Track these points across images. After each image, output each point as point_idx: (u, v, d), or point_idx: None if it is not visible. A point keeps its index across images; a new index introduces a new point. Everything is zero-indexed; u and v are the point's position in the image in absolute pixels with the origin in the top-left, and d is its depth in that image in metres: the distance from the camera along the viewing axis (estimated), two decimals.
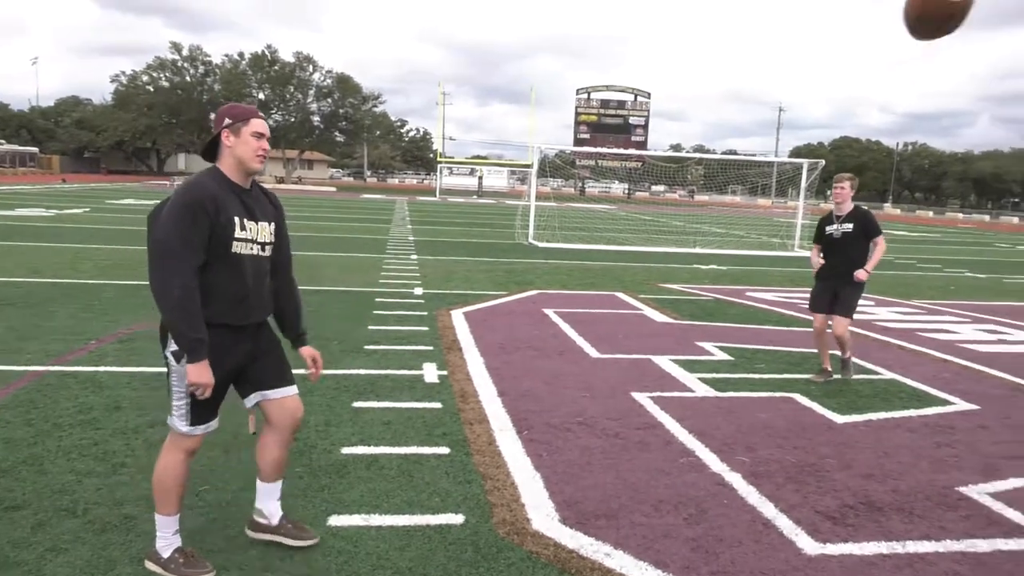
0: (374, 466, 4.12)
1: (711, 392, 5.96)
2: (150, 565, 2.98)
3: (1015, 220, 62.83)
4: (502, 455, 4.38)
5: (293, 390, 3.15)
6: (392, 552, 3.21)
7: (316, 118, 68.94)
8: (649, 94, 72.59)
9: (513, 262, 14.81)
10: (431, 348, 6.97)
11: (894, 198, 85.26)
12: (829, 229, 6.40)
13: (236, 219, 2.83)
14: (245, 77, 64.24)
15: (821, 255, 6.52)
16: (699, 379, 6.30)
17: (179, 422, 2.90)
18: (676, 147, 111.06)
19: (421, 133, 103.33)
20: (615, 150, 61.95)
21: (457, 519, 3.54)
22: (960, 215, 66.89)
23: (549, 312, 9.22)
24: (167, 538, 2.99)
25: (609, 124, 71.54)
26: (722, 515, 3.73)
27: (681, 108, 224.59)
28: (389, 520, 3.49)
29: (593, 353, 7.13)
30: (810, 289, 6.76)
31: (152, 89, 64.34)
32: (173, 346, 2.80)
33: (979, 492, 4.16)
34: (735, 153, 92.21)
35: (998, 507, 3.97)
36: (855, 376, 6.59)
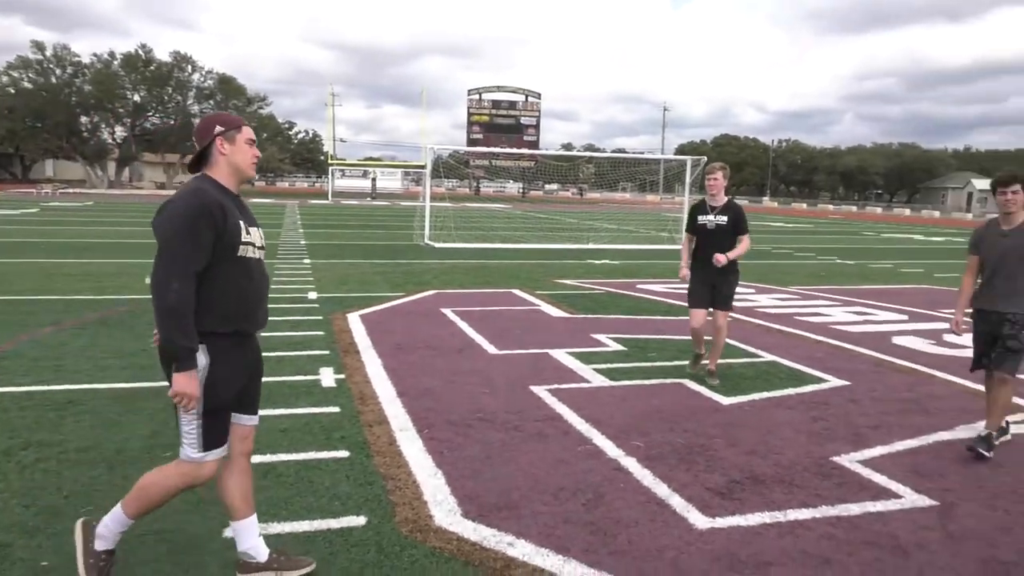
0: (271, 474, 4.03)
1: (606, 382, 6.14)
2: (78, 535, 2.90)
3: (878, 210, 67.68)
4: (403, 455, 4.37)
5: (257, 416, 3.06)
6: None
7: (197, 121, 66.10)
8: (540, 95, 73.74)
9: (410, 263, 14.73)
10: (327, 352, 6.85)
11: (771, 192, 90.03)
12: (703, 219, 6.22)
13: (241, 224, 2.79)
14: (118, 78, 60.73)
15: (693, 246, 6.36)
16: (594, 370, 6.48)
17: (190, 449, 2.77)
18: (567, 146, 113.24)
19: (311, 135, 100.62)
20: (508, 149, 62.55)
21: (359, 521, 3.52)
22: (830, 207, 71.46)
23: (447, 311, 9.23)
24: (112, 535, 2.89)
25: (501, 124, 72.19)
26: (619, 498, 3.87)
27: (571, 108, 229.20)
28: (288, 527, 3.43)
29: (491, 350, 7.20)
30: None
31: (13, 91, 59.81)
32: None
33: (850, 460, 4.48)
34: (624, 152, 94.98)
35: (867, 473, 4.30)
36: (739, 360, 6.95)
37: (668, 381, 6.21)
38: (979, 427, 5.19)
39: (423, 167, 28.27)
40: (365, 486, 3.92)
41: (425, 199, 21.40)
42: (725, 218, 6.15)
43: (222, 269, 2.73)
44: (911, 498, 3.97)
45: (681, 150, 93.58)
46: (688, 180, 22.05)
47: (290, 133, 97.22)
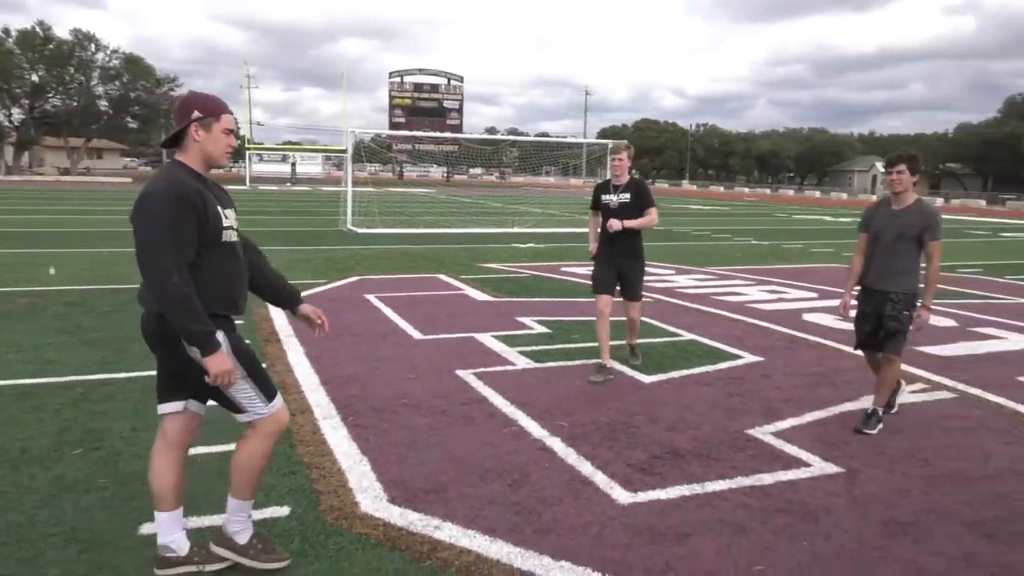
0: (191, 467, 3.87)
1: (531, 364, 6.21)
2: (221, 551, 2.94)
3: (791, 193, 70.24)
4: (327, 443, 4.32)
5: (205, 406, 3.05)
6: None
7: (103, 103, 62.80)
8: (462, 78, 73.29)
9: (332, 249, 14.47)
10: (248, 342, 6.66)
11: (690, 175, 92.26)
12: (606, 199, 6.00)
13: (219, 209, 2.78)
14: (13, 56, 57.11)
15: (599, 223, 6.08)
16: (520, 352, 6.54)
17: (258, 407, 2.87)
18: (491, 130, 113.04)
19: None
20: (431, 133, 62.02)
21: (282, 511, 3.47)
22: (746, 189, 73.80)
23: (371, 297, 9.13)
24: (243, 522, 2.97)
25: (424, 108, 71.45)
26: (544, 477, 3.93)
27: (494, 92, 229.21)
28: (208, 521, 3.34)
29: (417, 335, 7.17)
30: None
31: None
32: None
33: (763, 433, 4.68)
34: (547, 135, 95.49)
35: (779, 444, 4.50)
36: (660, 340, 7.13)
37: (592, 361, 6.31)
38: None
39: (344, 151, 27.75)
40: (288, 476, 3.86)
41: (347, 184, 21.03)
42: (628, 195, 5.91)
43: (209, 259, 2.74)
44: (819, 466, 4.18)
45: (603, 134, 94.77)
46: (610, 164, 22.39)
47: None
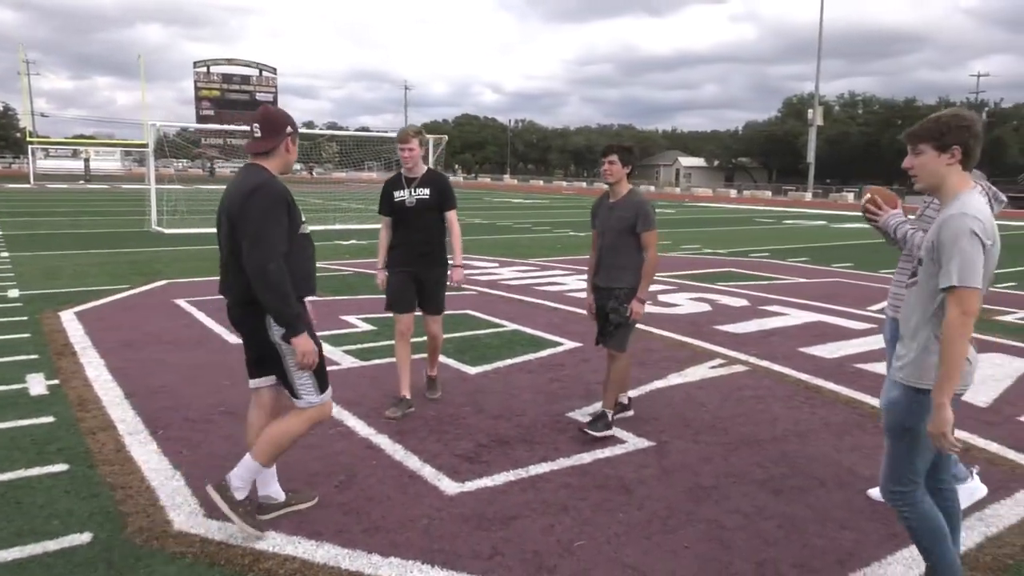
0: None
1: (357, 363, 6.12)
2: (215, 494, 3.16)
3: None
4: (134, 460, 4.02)
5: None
6: None
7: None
8: (275, 69, 70.32)
9: (135, 252, 13.39)
10: (36, 356, 6.05)
11: (511, 170, 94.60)
12: (399, 196, 4.88)
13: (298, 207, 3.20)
14: None
15: (391, 235, 4.99)
16: (344, 352, 6.42)
17: (312, 396, 3.22)
18: (309, 124, 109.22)
19: (1, 109, 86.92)
20: (244, 127, 58.87)
21: (83, 538, 3.18)
22: (564, 183, 76.82)
23: (181, 302, 8.56)
24: (247, 485, 3.21)
25: (235, 100, 67.80)
26: (371, 475, 3.90)
27: (310, 85, 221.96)
28: None
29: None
30: None
31: None
32: (279, 331, 3.08)
33: (582, 414, 4.92)
34: (368, 130, 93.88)
35: None
36: (485, 331, 7.28)
37: (417, 357, 6.31)
38: (687, 373, 5.97)
39: (146, 146, 25.69)
40: (89, 499, 3.55)
41: (150, 181, 19.50)
42: (427, 190, 4.85)
43: (293, 250, 3.13)
44: (633, 442, 4.46)
45: (425, 129, 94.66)
46: (432, 158, 22.43)
47: None
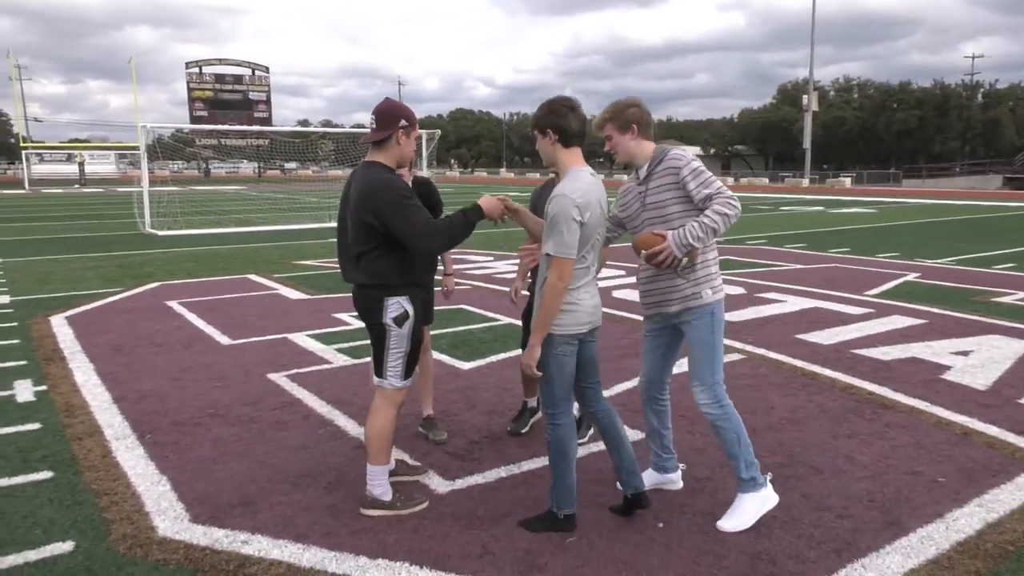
0: None
1: (349, 360, 6.05)
2: (373, 512, 3.37)
3: (602, 176, 73.69)
4: (120, 466, 3.96)
5: None
6: None
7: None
8: (268, 68, 69.93)
9: (128, 255, 13.31)
10: (24, 362, 5.98)
11: (508, 164, 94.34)
12: None
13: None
14: None
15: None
16: (336, 350, 6.35)
17: (395, 380, 3.39)
18: (304, 123, 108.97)
19: None
20: (237, 127, 58.73)
21: (65, 547, 3.12)
22: None
23: (173, 304, 8.49)
24: (385, 484, 3.41)
25: (228, 100, 67.45)
26: (361, 477, 3.82)
27: (303, 83, 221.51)
28: None
29: (224, 340, 6.76)
30: None
31: None
32: (392, 313, 3.30)
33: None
34: (364, 127, 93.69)
35: None
36: (479, 325, 7.20)
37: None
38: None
39: (138, 148, 25.55)
40: (73, 507, 3.48)
41: (143, 182, 19.40)
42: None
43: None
44: (628, 432, 4.39)
45: (421, 124, 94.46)
46: (426, 153, 22.32)
47: None
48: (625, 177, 3.58)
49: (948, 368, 5.71)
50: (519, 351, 6.26)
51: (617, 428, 3.39)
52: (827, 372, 5.64)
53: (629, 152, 3.36)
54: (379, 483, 3.42)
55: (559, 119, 3.12)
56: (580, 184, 3.06)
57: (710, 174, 3.26)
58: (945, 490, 3.65)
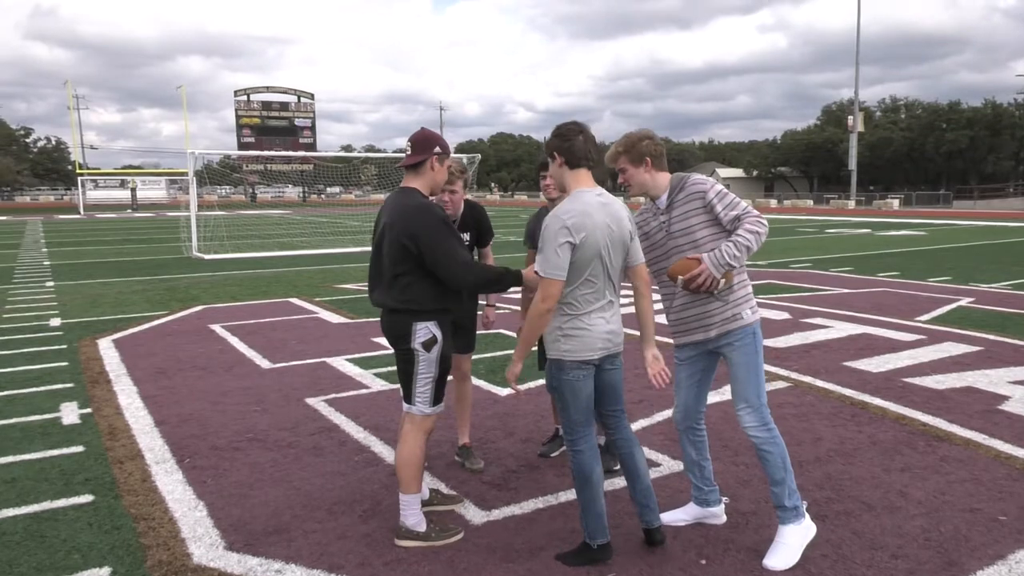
0: None
1: (386, 386, 6.03)
2: (407, 543, 3.32)
3: (641, 200, 73.35)
4: (159, 491, 3.97)
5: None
6: None
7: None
8: (312, 95, 71.55)
9: (175, 278, 13.60)
10: (71, 385, 6.10)
11: None
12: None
13: None
14: None
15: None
16: (374, 375, 6.35)
17: (423, 406, 3.39)
18: (347, 148, 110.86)
19: (53, 143, 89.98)
20: (283, 152, 59.99)
21: (102, 573, 3.13)
22: None
23: (216, 327, 8.61)
24: (418, 514, 3.38)
25: (274, 127, 69.16)
26: (396, 505, 3.77)
27: (346, 110, 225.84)
28: None
29: (265, 364, 6.81)
30: None
31: None
32: (421, 338, 3.31)
33: None
34: (403, 152, 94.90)
35: None
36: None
37: (449, 378, 6.22)
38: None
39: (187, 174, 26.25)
40: (112, 532, 3.50)
41: (191, 207, 19.89)
42: (468, 235, 4.39)
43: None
44: (668, 464, 4.29)
45: (460, 149, 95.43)
46: (470, 177, 22.52)
47: (27, 141, 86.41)
48: (642, 200, 3.53)
49: (1007, 398, 5.46)
50: None
51: (634, 459, 3.31)
52: (877, 401, 5.44)
53: (643, 184, 3.39)
54: (412, 512, 3.37)
55: (564, 142, 3.15)
56: (576, 205, 3.04)
57: (734, 196, 3.30)
58: (1006, 529, 3.46)
